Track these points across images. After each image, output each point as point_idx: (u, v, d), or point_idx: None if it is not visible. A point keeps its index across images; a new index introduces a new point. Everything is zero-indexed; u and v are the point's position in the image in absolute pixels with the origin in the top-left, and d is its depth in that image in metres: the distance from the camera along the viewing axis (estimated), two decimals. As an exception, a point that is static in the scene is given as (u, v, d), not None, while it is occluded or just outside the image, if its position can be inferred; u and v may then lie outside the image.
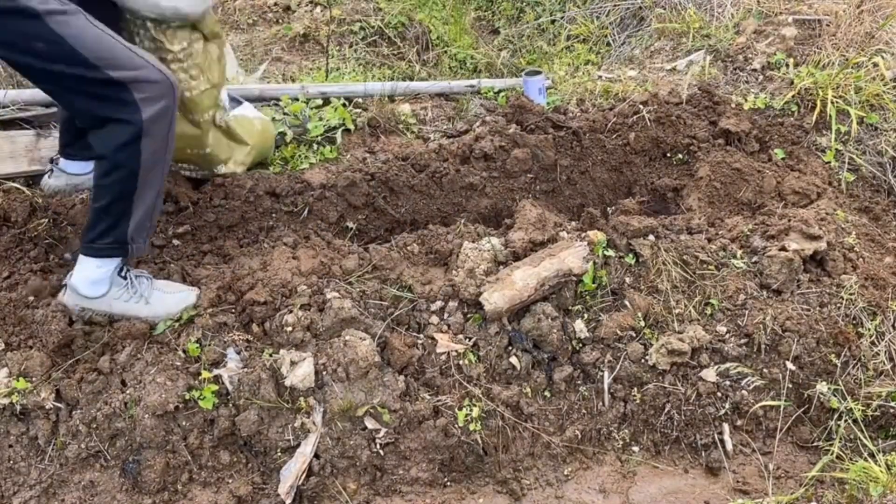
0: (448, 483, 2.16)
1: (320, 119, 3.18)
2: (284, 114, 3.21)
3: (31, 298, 2.24)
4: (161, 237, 2.52)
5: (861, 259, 2.61)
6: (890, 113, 3.22)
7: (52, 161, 2.64)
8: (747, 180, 2.98)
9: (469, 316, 2.31)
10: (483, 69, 3.91)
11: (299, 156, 3.02)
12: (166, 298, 2.24)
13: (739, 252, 2.54)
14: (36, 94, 3.16)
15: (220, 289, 2.30)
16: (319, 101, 3.32)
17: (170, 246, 2.51)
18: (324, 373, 2.15)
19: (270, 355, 2.16)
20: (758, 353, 2.36)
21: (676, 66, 3.76)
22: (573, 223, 2.62)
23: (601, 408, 2.28)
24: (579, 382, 2.31)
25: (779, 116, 3.29)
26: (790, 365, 2.34)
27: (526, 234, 2.41)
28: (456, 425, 2.14)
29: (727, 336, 2.38)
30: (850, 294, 2.46)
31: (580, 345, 2.33)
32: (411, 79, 3.80)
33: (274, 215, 2.69)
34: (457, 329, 2.29)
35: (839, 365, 2.35)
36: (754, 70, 3.61)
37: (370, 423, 2.12)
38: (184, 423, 2.09)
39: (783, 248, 2.50)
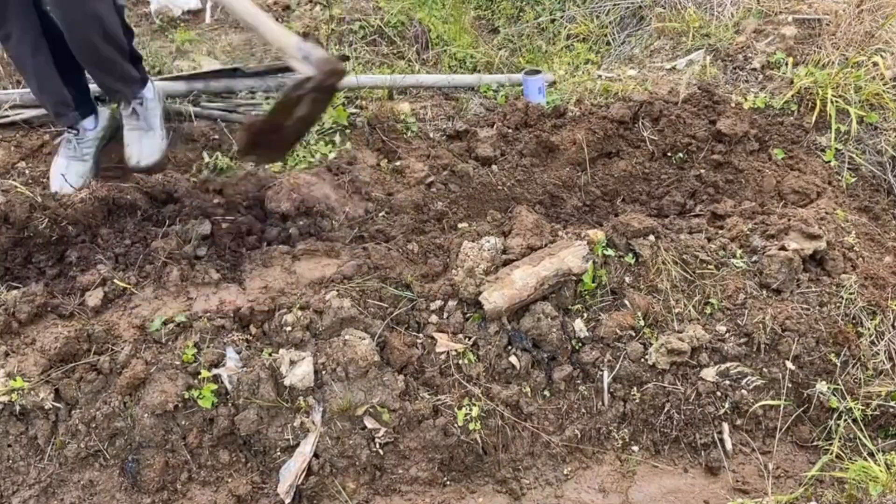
0: (447, 482, 2.16)
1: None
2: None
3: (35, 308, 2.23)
4: (162, 240, 2.52)
5: (861, 259, 2.61)
6: (890, 112, 3.21)
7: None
8: (747, 179, 2.98)
9: (469, 315, 2.31)
10: (483, 68, 3.90)
11: (297, 154, 3.01)
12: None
13: (739, 251, 2.54)
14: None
15: (219, 297, 2.30)
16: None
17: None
18: (323, 372, 2.15)
19: (270, 355, 2.16)
20: (757, 352, 2.36)
21: (676, 66, 3.75)
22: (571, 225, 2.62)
23: (601, 407, 2.28)
24: (579, 382, 2.31)
25: (778, 116, 3.29)
26: (790, 364, 2.33)
27: (524, 239, 2.41)
28: (455, 425, 2.14)
29: (727, 335, 2.38)
30: (850, 293, 2.46)
31: (580, 344, 2.33)
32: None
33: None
34: (456, 328, 2.28)
35: (839, 364, 2.35)
36: (754, 69, 3.60)
37: (369, 423, 2.12)
38: (183, 423, 2.08)
39: (783, 248, 2.50)
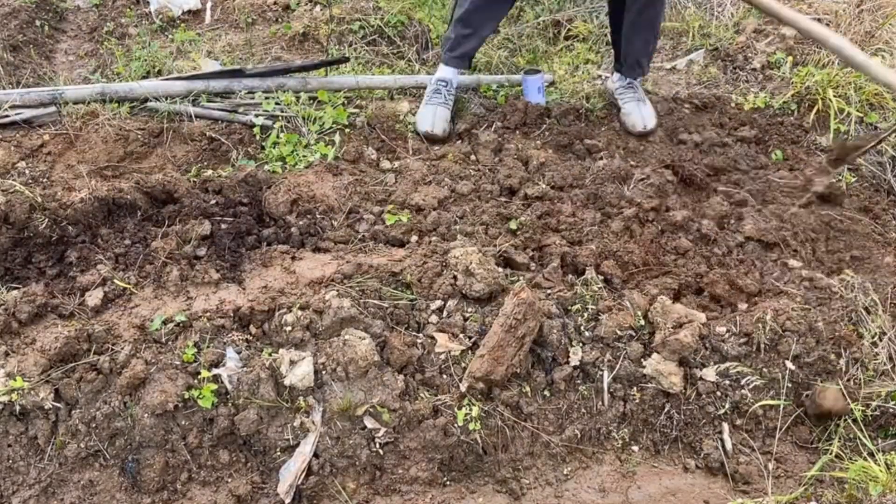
0: (447, 482, 2.16)
1: (316, 120, 3.18)
2: (277, 103, 3.21)
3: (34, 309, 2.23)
4: (162, 240, 2.52)
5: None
6: (889, 112, 3.22)
7: None
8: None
9: (469, 315, 2.31)
10: (483, 68, 3.91)
11: (297, 154, 3.01)
12: None
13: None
14: (35, 95, 3.16)
15: (219, 297, 2.30)
16: (317, 101, 3.32)
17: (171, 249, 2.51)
18: (323, 372, 2.15)
19: (270, 355, 2.16)
20: (757, 352, 2.35)
21: (676, 66, 3.76)
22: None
23: (601, 407, 2.28)
24: (579, 382, 2.30)
25: (778, 116, 3.29)
26: (790, 364, 2.33)
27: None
28: (455, 425, 2.14)
29: (727, 335, 2.38)
30: (851, 294, 2.46)
31: (580, 344, 2.33)
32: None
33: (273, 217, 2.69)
34: (456, 328, 2.28)
35: (839, 365, 2.35)
36: (754, 69, 3.61)
37: (369, 423, 2.12)
38: (183, 423, 2.08)
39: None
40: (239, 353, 2.17)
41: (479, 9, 3.11)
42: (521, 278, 2.43)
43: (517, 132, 3.25)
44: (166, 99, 3.22)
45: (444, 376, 2.22)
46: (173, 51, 3.91)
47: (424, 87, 3.43)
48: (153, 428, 2.06)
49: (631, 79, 3.32)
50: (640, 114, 3.25)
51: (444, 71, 3.31)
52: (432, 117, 3.21)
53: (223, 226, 2.59)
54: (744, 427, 2.30)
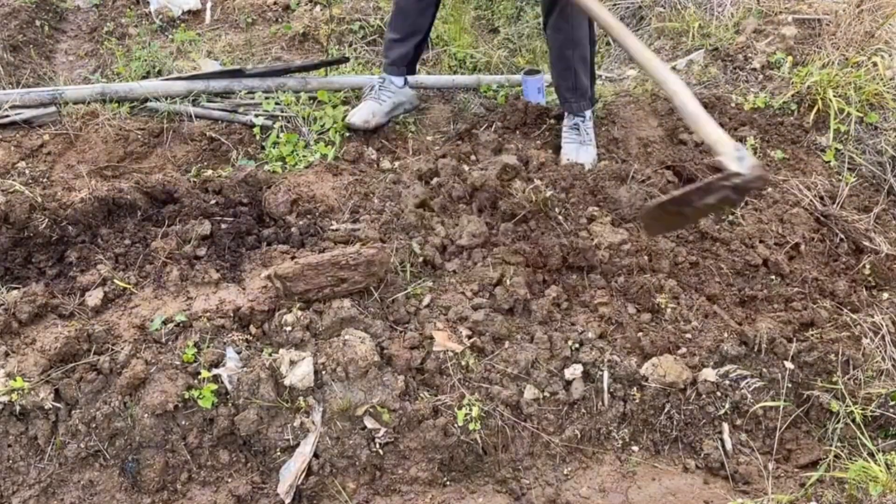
0: (447, 482, 2.16)
1: (316, 120, 3.18)
2: (277, 103, 3.21)
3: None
4: (162, 240, 2.52)
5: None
6: (889, 112, 3.22)
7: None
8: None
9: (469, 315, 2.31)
10: (483, 68, 3.91)
11: (297, 154, 3.01)
12: None
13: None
14: (35, 95, 3.17)
15: (219, 297, 2.30)
16: (317, 101, 3.32)
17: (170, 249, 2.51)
18: (323, 372, 2.15)
19: (270, 355, 2.16)
20: (757, 353, 2.35)
21: (676, 66, 3.75)
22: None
23: (601, 407, 2.28)
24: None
25: (778, 116, 3.29)
26: (789, 364, 2.33)
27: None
28: (455, 425, 2.14)
29: (726, 336, 2.38)
30: (850, 293, 2.46)
31: (579, 344, 2.33)
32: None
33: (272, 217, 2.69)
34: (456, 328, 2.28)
35: (839, 365, 2.35)
36: (754, 69, 3.61)
37: (369, 423, 2.12)
38: (183, 423, 2.09)
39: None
40: (239, 353, 2.17)
41: (400, 12, 3.05)
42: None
43: (517, 132, 3.25)
44: (166, 99, 3.22)
45: (444, 376, 2.22)
46: (173, 51, 3.91)
47: (424, 87, 3.43)
48: (153, 428, 2.06)
49: (570, 114, 3.07)
50: (575, 153, 3.01)
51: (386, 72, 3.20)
52: (359, 110, 3.10)
53: (223, 226, 2.58)
54: (744, 427, 2.30)
